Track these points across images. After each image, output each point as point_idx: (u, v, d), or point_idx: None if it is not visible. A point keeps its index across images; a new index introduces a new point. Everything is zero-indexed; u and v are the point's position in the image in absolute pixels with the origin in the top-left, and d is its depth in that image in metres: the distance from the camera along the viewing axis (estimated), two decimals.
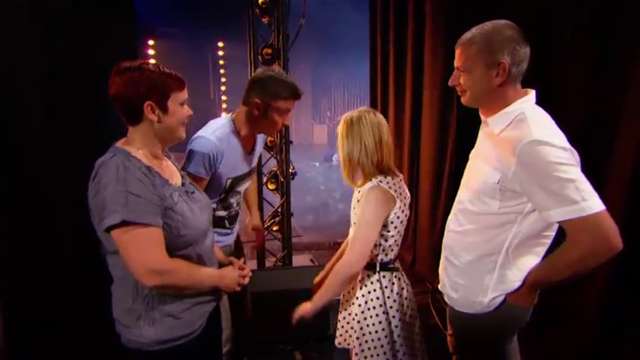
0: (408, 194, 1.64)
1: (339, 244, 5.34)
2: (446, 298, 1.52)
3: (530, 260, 1.32)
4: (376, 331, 1.59)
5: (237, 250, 2.12)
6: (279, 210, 3.57)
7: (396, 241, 1.60)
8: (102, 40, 2.57)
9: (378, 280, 1.60)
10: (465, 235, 1.41)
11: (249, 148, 1.89)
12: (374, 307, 1.59)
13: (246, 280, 1.44)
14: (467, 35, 1.33)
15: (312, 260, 4.13)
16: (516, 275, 1.32)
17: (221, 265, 1.45)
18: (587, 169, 1.39)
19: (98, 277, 1.34)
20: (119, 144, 1.26)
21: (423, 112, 3.69)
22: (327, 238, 5.02)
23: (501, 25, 1.29)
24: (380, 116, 1.57)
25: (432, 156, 3.62)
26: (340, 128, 1.57)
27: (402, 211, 1.57)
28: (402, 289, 1.63)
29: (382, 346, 1.59)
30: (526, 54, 1.28)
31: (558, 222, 1.18)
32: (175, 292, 1.25)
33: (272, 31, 3.38)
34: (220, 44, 11.90)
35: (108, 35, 2.64)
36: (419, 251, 3.99)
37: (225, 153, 1.73)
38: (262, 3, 3.24)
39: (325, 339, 2.83)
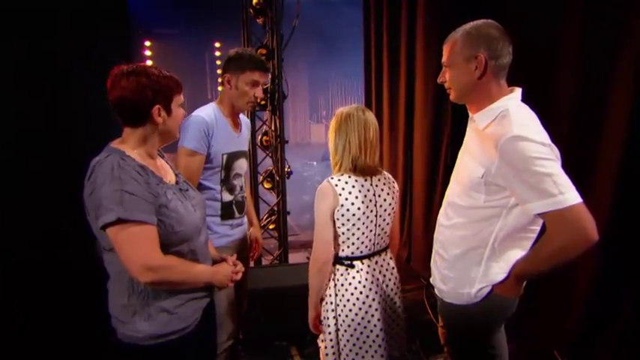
0: (389, 192, 1.65)
1: None
2: (436, 291, 1.56)
3: (516, 253, 1.35)
4: (326, 318, 1.65)
5: (246, 245, 2.18)
6: (276, 208, 3.60)
7: (349, 238, 1.59)
8: (96, 40, 2.60)
9: (333, 273, 1.64)
10: (453, 229, 1.45)
11: (236, 128, 2.04)
12: (328, 295, 1.65)
13: (239, 277, 1.47)
14: (452, 34, 1.41)
15: (308, 258, 4.16)
16: (502, 267, 1.36)
17: (214, 262, 1.48)
18: (575, 164, 1.44)
19: (97, 275, 1.35)
20: (113, 144, 1.28)
21: (415, 110, 3.73)
22: None
23: (482, 22, 1.36)
24: (369, 115, 1.61)
25: (426, 153, 3.66)
26: (331, 122, 1.64)
27: (349, 210, 1.55)
28: (363, 285, 1.61)
29: (330, 332, 1.64)
30: (505, 50, 1.33)
31: (538, 214, 1.22)
32: (169, 288, 1.28)
33: (266, 31, 3.41)
34: (217, 44, 11.91)
35: (102, 35, 2.66)
36: (414, 248, 4.04)
37: (215, 128, 1.89)
38: (256, 4, 3.28)
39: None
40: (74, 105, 2.36)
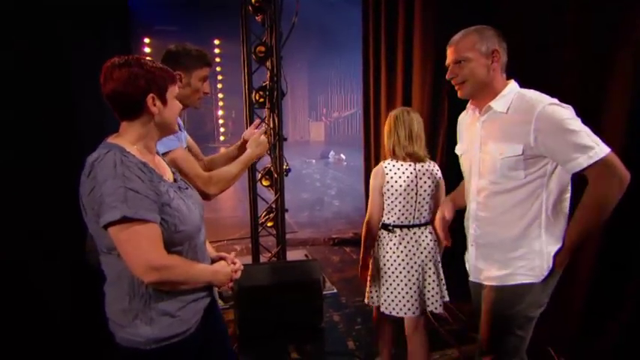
0: (430, 176, 2.04)
1: (334, 239, 5.39)
2: (489, 282, 1.56)
3: (565, 217, 1.46)
4: (373, 268, 2.12)
5: None
6: (274, 206, 3.61)
7: (392, 209, 2.04)
8: (97, 38, 2.60)
9: (379, 236, 2.11)
10: (503, 215, 1.50)
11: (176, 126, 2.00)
12: (375, 252, 2.12)
13: (238, 275, 1.44)
14: (458, 34, 1.51)
15: (306, 255, 4.18)
16: (557, 236, 1.45)
17: (212, 261, 1.45)
18: None
19: (96, 277, 1.31)
20: (110, 139, 1.24)
21: (412, 107, 3.73)
22: (322, 234, 5.05)
23: (482, 26, 1.50)
24: (413, 114, 2.07)
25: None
26: (386, 122, 2.09)
27: (393, 186, 2.00)
28: (397, 247, 2.04)
29: (373, 281, 2.13)
30: (505, 47, 1.49)
31: (583, 168, 1.32)
32: (171, 288, 1.24)
33: (265, 29, 3.41)
34: (216, 42, 11.93)
35: (103, 33, 2.67)
36: None
37: None
38: (255, 1, 3.27)
39: (319, 332, 2.89)
40: (74, 102, 2.37)
